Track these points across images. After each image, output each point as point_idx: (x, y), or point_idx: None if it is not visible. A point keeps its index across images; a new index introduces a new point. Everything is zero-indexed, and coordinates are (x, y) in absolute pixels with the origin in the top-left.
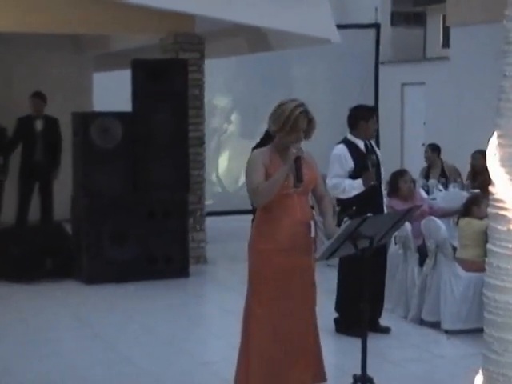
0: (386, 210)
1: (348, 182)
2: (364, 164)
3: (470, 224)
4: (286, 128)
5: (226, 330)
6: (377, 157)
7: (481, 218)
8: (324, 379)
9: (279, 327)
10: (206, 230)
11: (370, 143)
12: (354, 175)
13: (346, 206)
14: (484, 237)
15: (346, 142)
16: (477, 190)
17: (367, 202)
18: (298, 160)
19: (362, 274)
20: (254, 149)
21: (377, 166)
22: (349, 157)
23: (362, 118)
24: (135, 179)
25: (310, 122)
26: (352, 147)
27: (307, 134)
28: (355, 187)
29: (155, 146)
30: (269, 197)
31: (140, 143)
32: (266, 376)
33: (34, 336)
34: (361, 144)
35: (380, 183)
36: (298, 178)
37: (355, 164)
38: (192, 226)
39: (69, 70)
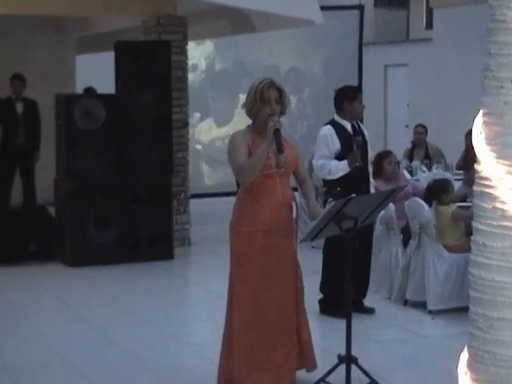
0: (372, 191)
1: (334, 163)
2: (350, 145)
3: (439, 212)
4: (255, 102)
5: (211, 311)
6: (363, 138)
7: (447, 204)
8: (315, 366)
9: (261, 308)
10: (190, 212)
11: (358, 124)
12: (340, 156)
13: (331, 187)
14: (453, 221)
15: (332, 123)
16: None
17: (353, 183)
18: (276, 132)
19: (346, 254)
20: None
21: (363, 147)
22: (335, 138)
23: (346, 98)
24: (119, 162)
25: (281, 92)
26: (339, 128)
27: (282, 106)
28: (341, 168)
29: (139, 128)
30: (254, 174)
31: (123, 126)
32: (249, 358)
33: (17, 319)
34: (347, 125)
35: (367, 164)
36: (278, 149)
37: (341, 145)
38: (176, 208)
39: (51, 53)
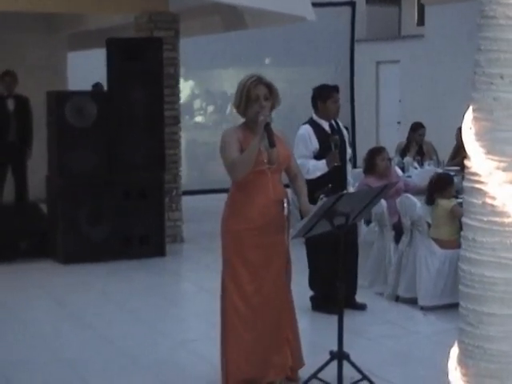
0: (350, 190)
1: (312, 162)
2: (329, 145)
3: (438, 204)
4: (243, 100)
5: (203, 308)
6: (341, 137)
7: (448, 198)
8: (302, 363)
9: (254, 307)
10: (182, 210)
11: (337, 123)
12: (318, 156)
13: (309, 186)
14: (452, 215)
15: (310, 122)
16: (454, 168)
17: (330, 182)
18: (267, 126)
19: (329, 248)
20: None
21: (341, 146)
22: (313, 137)
23: (319, 98)
24: (110, 159)
25: (270, 88)
26: (317, 128)
27: (272, 101)
28: (319, 168)
29: (130, 125)
30: (247, 169)
31: (115, 123)
32: (243, 357)
33: (10, 317)
34: (325, 124)
35: (344, 164)
36: (270, 144)
37: (320, 144)
38: (168, 205)
39: (43, 50)
